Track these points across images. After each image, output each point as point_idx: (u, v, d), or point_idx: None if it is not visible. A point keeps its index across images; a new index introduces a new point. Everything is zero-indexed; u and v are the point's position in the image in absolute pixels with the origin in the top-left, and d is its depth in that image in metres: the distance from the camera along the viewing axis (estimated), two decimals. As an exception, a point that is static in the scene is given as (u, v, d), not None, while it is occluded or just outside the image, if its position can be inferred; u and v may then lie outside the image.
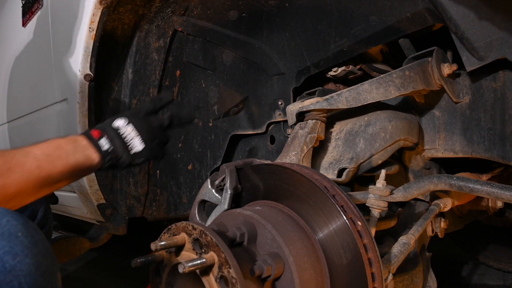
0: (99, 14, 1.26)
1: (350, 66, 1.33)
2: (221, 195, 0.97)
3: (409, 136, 1.08)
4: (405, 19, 1.10)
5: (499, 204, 1.22)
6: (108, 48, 1.43)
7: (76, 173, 0.87)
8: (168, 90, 1.30)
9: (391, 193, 0.99)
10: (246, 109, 1.57)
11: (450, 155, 1.13)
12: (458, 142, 1.11)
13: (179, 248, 0.75)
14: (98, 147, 0.90)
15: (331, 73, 1.37)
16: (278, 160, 1.06)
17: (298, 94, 1.43)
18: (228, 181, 0.97)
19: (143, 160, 0.96)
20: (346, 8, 1.19)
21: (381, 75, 1.06)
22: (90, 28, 1.29)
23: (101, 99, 1.49)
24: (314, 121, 1.06)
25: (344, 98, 1.05)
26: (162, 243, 0.73)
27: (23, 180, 0.75)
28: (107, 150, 0.91)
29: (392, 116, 1.08)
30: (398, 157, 1.18)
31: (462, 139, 1.10)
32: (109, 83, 1.51)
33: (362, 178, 1.16)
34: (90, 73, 1.31)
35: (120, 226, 1.53)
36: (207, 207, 1.03)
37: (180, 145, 1.72)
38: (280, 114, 1.51)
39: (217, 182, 1.00)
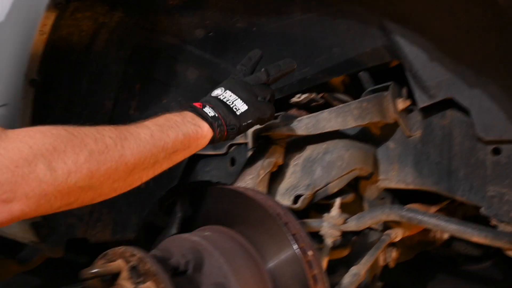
0: (52, 17, 1.19)
1: (313, 94, 1.36)
2: (169, 219, 0.95)
3: (364, 166, 1.11)
4: (365, 54, 1.15)
5: (445, 236, 1.27)
6: (61, 54, 1.37)
7: (189, 143, 0.82)
8: (254, 50, 1.12)
9: (345, 221, 1.00)
10: (208, 129, 1.56)
11: (402, 186, 1.17)
12: (410, 174, 1.15)
13: (115, 276, 0.69)
14: (204, 115, 0.86)
15: (295, 99, 1.39)
16: (235, 184, 1.05)
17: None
18: (178, 203, 0.94)
19: (251, 122, 0.92)
20: (311, 38, 1.23)
21: (340, 105, 1.09)
22: (41, 31, 1.21)
23: (48, 107, 1.41)
24: (273, 146, 1.07)
25: (304, 124, 1.06)
26: (94, 270, 0.66)
27: (140, 150, 0.71)
28: (214, 116, 0.87)
29: (349, 145, 1.10)
30: (354, 186, 1.21)
31: (414, 172, 1.14)
32: (59, 91, 1.43)
33: (319, 206, 1.17)
34: (36, 78, 1.22)
35: (57, 247, 1.40)
36: (155, 230, 1.00)
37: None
38: (242, 136, 1.51)
39: (166, 204, 0.97)
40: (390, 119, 1.12)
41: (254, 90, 0.95)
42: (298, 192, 1.05)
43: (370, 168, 1.13)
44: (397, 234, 1.09)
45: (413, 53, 1.03)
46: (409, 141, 1.16)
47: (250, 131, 1.20)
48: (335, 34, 1.17)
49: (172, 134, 0.78)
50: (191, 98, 1.54)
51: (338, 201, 0.99)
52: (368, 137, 1.22)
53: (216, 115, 0.87)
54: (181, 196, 0.94)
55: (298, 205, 1.03)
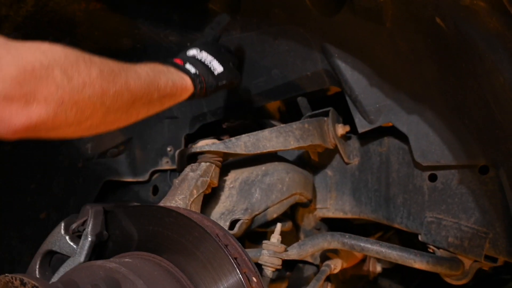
0: None
1: (249, 118, 1.29)
2: (77, 244, 0.75)
3: (304, 191, 1.04)
4: (305, 77, 1.13)
5: (378, 269, 1.23)
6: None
7: (176, 91, 0.84)
8: (222, 14, 1.09)
9: (286, 250, 0.90)
10: (128, 152, 1.38)
11: (340, 215, 1.12)
12: (347, 202, 1.11)
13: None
14: (186, 71, 0.89)
15: (228, 123, 1.31)
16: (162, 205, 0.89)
17: (190, 142, 1.32)
18: (90, 225, 0.76)
19: (225, 83, 0.97)
20: (249, 58, 1.18)
21: (281, 125, 1.03)
22: None
23: None
24: (208, 164, 0.95)
25: (242, 142, 0.97)
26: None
27: (141, 83, 0.73)
28: (195, 73, 0.90)
29: (289, 169, 1.03)
30: (291, 215, 1.12)
31: (352, 200, 1.10)
32: None
33: (254, 235, 1.05)
34: None
35: None
36: (56, 260, 0.78)
37: (32, 186, 1.39)
38: (167, 161, 1.36)
39: (74, 226, 0.78)
40: (329, 144, 1.09)
41: (226, 56, 0.99)
42: (235, 217, 0.93)
43: (310, 195, 1.07)
44: (336, 265, 1.02)
45: (354, 78, 1.04)
46: (347, 169, 1.13)
47: (180, 151, 1.07)
48: (275, 55, 1.14)
49: (163, 78, 0.80)
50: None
51: (279, 226, 0.89)
52: (306, 164, 1.17)
53: (197, 72, 0.90)
54: (93, 216, 0.75)
55: (235, 231, 0.91)
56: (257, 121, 1.31)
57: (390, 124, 1.02)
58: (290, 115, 1.40)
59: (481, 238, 0.89)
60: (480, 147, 0.88)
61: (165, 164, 1.35)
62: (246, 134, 1.00)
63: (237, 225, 0.91)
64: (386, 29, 0.95)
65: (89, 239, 0.75)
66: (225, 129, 1.33)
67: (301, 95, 1.18)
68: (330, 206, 1.13)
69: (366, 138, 1.11)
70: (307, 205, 1.08)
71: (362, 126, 1.04)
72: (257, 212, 0.95)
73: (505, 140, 0.81)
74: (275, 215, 0.97)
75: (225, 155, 1.00)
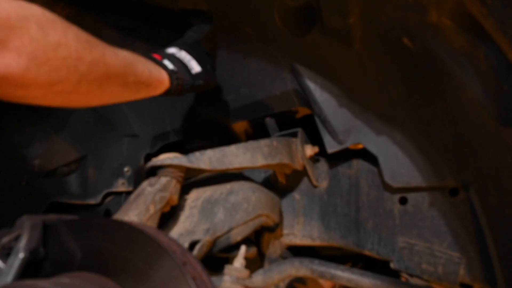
0: None
1: (214, 139, 1.23)
2: (5, 262, 0.63)
3: (271, 213, 0.98)
4: (274, 97, 1.11)
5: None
6: None
7: (152, 82, 0.81)
8: (205, 15, 1.06)
9: (250, 276, 0.81)
10: (81, 171, 1.27)
11: (308, 242, 1.05)
12: (316, 228, 1.05)
13: None
14: (163, 66, 0.86)
15: (192, 144, 1.24)
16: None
17: (150, 162, 1.24)
18: (23, 240, 0.65)
19: (202, 83, 0.95)
20: (218, 76, 1.14)
21: (249, 141, 0.98)
22: None
23: None
24: (168, 178, 0.87)
25: (207, 157, 0.91)
26: None
27: (117, 62, 0.71)
28: (173, 69, 0.88)
29: (256, 188, 0.97)
30: (255, 241, 1.04)
31: (320, 225, 1.05)
32: None
33: (215, 261, 0.96)
34: None
35: None
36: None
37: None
38: (123, 183, 1.26)
39: (5, 241, 0.66)
40: (298, 165, 1.04)
41: (205, 58, 0.98)
42: (195, 238, 0.84)
43: (277, 217, 1.00)
44: (304, 296, 0.94)
45: (323, 98, 1.02)
46: (315, 192, 1.09)
47: (139, 168, 0.99)
48: (244, 73, 1.12)
49: (141, 66, 0.79)
50: (64, 132, 1.27)
51: (243, 249, 0.81)
52: (273, 186, 1.11)
53: (175, 69, 0.88)
54: (29, 230, 0.65)
55: (195, 253, 0.82)
56: (222, 143, 1.25)
57: (360, 146, 1.00)
58: (256, 138, 1.36)
59: (455, 263, 0.85)
60: (450, 167, 0.87)
61: (121, 186, 1.25)
62: (212, 149, 0.94)
63: (197, 247, 0.82)
64: (355, 50, 0.95)
65: (20, 256, 0.63)
66: (188, 150, 1.26)
67: (270, 115, 1.14)
68: (298, 232, 1.06)
69: (335, 160, 1.07)
70: (273, 229, 1.01)
71: (331, 146, 1.01)
72: (219, 233, 0.86)
73: (474, 158, 0.80)
74: (239, 238, 0.89)
75: (188, 171, 0.92)
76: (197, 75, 0.93)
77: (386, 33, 0.85)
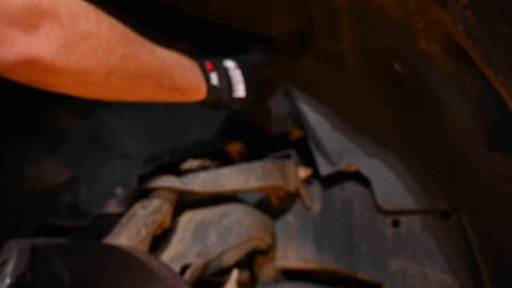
0: None
1: (208, 160, 1.23)
2: (-6, 286, 0.62)
3: (264, 235, 0.97)
4: (268, 119, 1.12)
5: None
6: None
7: (187, 90, 0.80)
8: (275, 48, 1.02)
9: (242, 301, 0.80)
10: (73, 192, 1.25)
11: (301, 265, 1.04)
12: (309, 251, 1.04)
13: None
14: (208, 79, 0.85)
15: (186, 165, 1.24)
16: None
17: (143, 183, 1.23)
18: (10, 265, 0.63)
19: (237, 108, 0.93)
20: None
21: (243, 163, 0.98)
22: None
23: None
24: (160, 201, 0.86)
25: (201, 179, 0.91)
26: None
27: (153, 61, 0.70)
28: (215, 86, 0.86)
29: (249, 211, 0.97)
30: (248, 264, 1.03)
31: (314, 248, 1.04)
32: None
33: (207, 286, 0.94)
34: None
35: None
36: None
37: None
38: (115, 205, 1.25)
39: (-7, 265, 0.65)
40: (291, 187, 1.04)
41: (256, 86, 0.97)
42: (187, 261, 0.83)
43: (270, 240, 0.99)
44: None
45: (316, 120, 1.03)
46: (309, 214, 1.08)
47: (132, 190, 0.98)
48: (239, 95, 1.13)
49: (180, 71, 0.77)
50: (58, 151, 1.26)
51: (235, 272, 0.80)
52: (266, 208, 1.11)
53: (218, 86, 0.87)
54: (17, 254, 0.64)
55: (186, 277, 0.81)
56: (216, 164, 1.25)
57: (353, 168, 1.00)
58: (251, 159, 1.36)
59: (448, 287, 0.85)
60: (441, 191, 0.87)
61: (113, 207, 1.23)
62: (205, 171, 0.94)
63: (189, 271, 0.81)
64: (348, 74, 0.97)
65: (7, 282, 0.62)
66: (182, 172, 1.26)
67: (264, 136, 1.15)
68: (291, 255, 1.05)
69: (328, 182, 1.08)
70: (266, 252, 1.00)
71: (325, 168, 1.02)
72: (212, 257, 0.86)
73: (465, 182, 0.81)
74: (231, 261, 0.88)
75: (181, 194, 0.92)
76: (238, 100, 0.92)
77: (378, 59, 0.87)
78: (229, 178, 0.92)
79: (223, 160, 1.27)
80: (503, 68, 0.45)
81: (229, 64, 0.92)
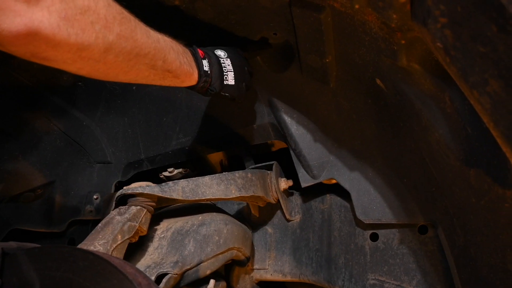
0: None
1: (188, 170, 1.22)
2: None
3: (243, 246, 0.96)
4: (250, 129, 1.12)
5: None
6: None
7: (179, 74, 0.82)
8: (264, 42, 1.02)
9: (218, 312, 0.79)
10: (47, 197, 1.22)
11: (279, 277, 1.03)
12: (287, 263, 1.04)
13: None
14: (199, 65, 0.88)
15: (166, 173, 1.22)
16: (77, 251, 0.75)
17: (121, 191, 1.20)
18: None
19: (227, 96, 0.94)
20: (196, 106, 1.15)
21: (224, 173, 0.97)
22: None
23: None
24: (138, 207, 0.85)
25: (180, 187, 0.89)
26: None
27: (148, 41, 0.71)
28: (206, 71, 0.89)
29: (228, 220, 0.96)
30: (225, 275, 1.02)
31: (292, 260, 1.03)
32: None
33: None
34: None
35: None
36: None
37: None
38: (91, 211, 1.22)
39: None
40: (271, 198, 1.04)
41: (245, 75, 0.98)
42: (163, 270, 0.81)
43: (248, 251, 0.98)
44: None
45: (299, 133, 1.04)
46: (288, 226, 1.08)
47: (108, 196, 0.96)
48: (222, 105, 1.13)
49: (173, 55, 0.79)
50: (33, 156, 1.23)
51: (212, 283, 0.79)
52: (246, 219, 1.10)
53: (209, 72, 0.89)
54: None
55: (161, 286, 0.79)
56: (197, 173, 1.24)
57: (334, 181, 1.01)
58: (232, 169, 1.36)
59: (423, 302, 0.85)
60: (419, 205, 0.89)
61: (88, 214, 1.20)
62: (185, 179, 0.93)
63: (164, 280, 0.79)
64: (330, 88, 0.98)
65: (-27, 286, 0.59)
66: (161, 179, 1.24)
67: (246, 147, 1.15)
68: (269, 267, 1.05)
69: (308, 194, 1.08)
70: (244, 263, 0.99)
71: (305, 181, 1.02)
72: (188, 267, 0.84)
73: (442, 197, 0.82)
74: (208, 272, 0.87)
75: (160, 201, 0.90)
76: (228, 87, 0.94)
77: (360, 74, 0.89)
78: (209, 187, 0.91)
79: (204, 169, 1.27)
80: (478, 86, 0.46)
81: (220, 53, 0.95)
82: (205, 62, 0.89)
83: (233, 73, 0.94)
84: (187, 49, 0.87)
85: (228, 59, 0.94)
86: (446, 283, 0.85)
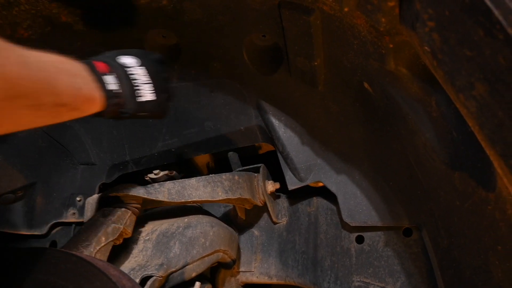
0: None
1: (174, 172, 1.21)
2: None
3: (229, 248, 0.95)
4: (238, 132, 1.11)
5: None
6: None
7: (79, 104, 0.61)
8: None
9: (203, 315, 0.78)
10: (28, 199, 1.18)
11: (265, 280, 1.03)
12: (273, 266, 1.03)
13: None
14: (102, 84, 0.66)
15: (151, 175, 1.20)
16: (59, 253, 0.74)
17: (105, 193, 1.18)
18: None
19: (146, 115, 0.75)
20: (183, 108, 1.14)
21: (210, 175, 0.96)
22: None
23: None
24: (123, 209, 0.83)
25: (166, 189, 0.88)
26: None
27: (27, 73, 0.50)
28: (113, 91, 0.67)
29: (214, 223, 0.95)
30: (211, 278, 1.01)
31: (278, 262, 1.03)
32: None
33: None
34: None
35: None
36: None
37: None
38: (74, 213, 1.19)
39: None
40: (258, 201, 1.04)
41: (165, 85, 0.78)
42: (147, 273, 0.79)
43: (234, 254, 0.98)
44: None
45: (286, 135, 1.04)
46: (274, 229, 1.08)
47: (92, 198, 0.94)
48: (210, 107, 1.12)
49: (66, 81, 0.58)
50: (14, 156, 1.19)
51: (197, 286, 0.78)
52: (232, 221, 1.09)
53: (119, 91, 0.69)
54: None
55: (146, 289, 0.77)
56: (183, 175, 1.23)
57: (320, 184, 1.01)
58: (218, 172, 1.35)
59: (408, 304, 0.86)
60: (404, 208, 0.90)
61: (71, 216, 1.18)
62: (171, 181, 0.92)
63: (149, 283, 0.78)
64: (319, 91, 0.99)
65: (-52, 288, 0.57)
66: (147, 182, 1.23)
67: (233, 149, 1.15)
68: (255, 269, 1.04)
69: (295, 197, 1.08)
70: (230, 266, 0.98)
71: (292, 183, 1.02)
72: (173, 269, 0.83)
73: (426, 200, 0.83)
74: (194, 274, 0.86)
75: (145, 203, 0.89)
76: (146, 104, 0.74)
77: (348, 77, 0.90)
78: (195, 189, 0.91)
79: (191, 171, 1.26)
80: (464, 89, 0.47)
81: (129, 60, 0.74)
82: (109, 78, 0.68)
83: (151, 85, 0.74)
84: (82, 65, 0.65)
85: (143, 68, 0.74)
86: (430, 285, 0.86)
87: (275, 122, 1.05)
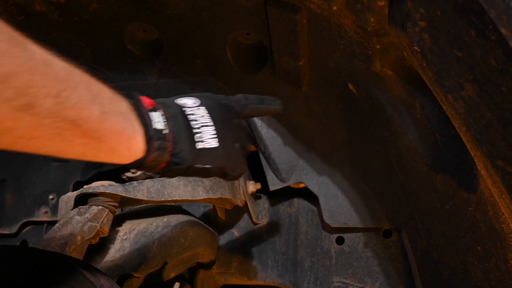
0: None
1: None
2: None
3: (209, 249, 0.94)
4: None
5: None
6: None
7: (107, 139, 0.45)
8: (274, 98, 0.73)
9: (182, 317, 0.76)
10: (-4, 196, 1.13)
11: (244, 280, 1.02)
12: (253, 266, 1.03)
13: None
14: (143, 120, 0.49)
15: (129, 174, 1.17)
16: (30, 252, 0.70)
17: (79, 191, 1.14)
18: None
19: (210, 168, 0.56)
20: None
21: (191, 173, 0.94)
22: None
23: None
24: (100, 207, 0.80)
25: (145, 187, 0.86)
26: None
27: (46, 95, 0.37)
28: (161, 131, 0.51)
29: (194, 222, 0.93)
30: (189, 278, 0.99)
31: (257, 263, 1.02)
32: None
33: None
34: None
35: None
36: None
37: None
38: (46, 212, 1.14)
39: None
40: (239, 201, 1.02)
41: (235, 132, 0.63)
42: (124, 273, 0.77)
43: (214, 254, 0.96)
44: None
45: (269, 135, 1.03)
46: (254, 229, 1.07)
47: (67, 196, 0.90)
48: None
49: (97, 110, 0.43)
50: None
51: (176, 286, 0.76)
52: (212, 222, 1.07)
53: (166, 131, 0.52)
54: None
55: (123, 290, 0.74)
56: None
57: (302, 185, 1.01)
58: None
59: (386, 305, 0.87)
60: (384, 210, 0.91)
61: (43, 215, 1.13)
62: (151, 180, 0.89)
63: (126, 283, 0.75)
64: (302, 92, 0.99)
65: None
66: (124, 180, 1.19)
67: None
68: (234, 270, 1.03)
69: (276, 198, 1.08)
70: (209, 266, 0.97)
71: (274, 184, 1.02)
72: (152, 269, 0.80)
73: (407, 202, 0.84)
74: (173, 274, 0.84)
75: (123, 201, 0.86)
76: (206, 152, 0.56)
77: (333, 78, 0.90)
78: (175, 188, 0.88)
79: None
80: (453, 90, 0.48)
81: (185, 100, 0.59)
82: (156, 116, 0.52)
83: (213, 128, 0.57)
84: (121, 97, 0.49)
85: (202, 108, 0.58)
86: (408, 285, 0.87)
87: (257, 122, 1.05)
